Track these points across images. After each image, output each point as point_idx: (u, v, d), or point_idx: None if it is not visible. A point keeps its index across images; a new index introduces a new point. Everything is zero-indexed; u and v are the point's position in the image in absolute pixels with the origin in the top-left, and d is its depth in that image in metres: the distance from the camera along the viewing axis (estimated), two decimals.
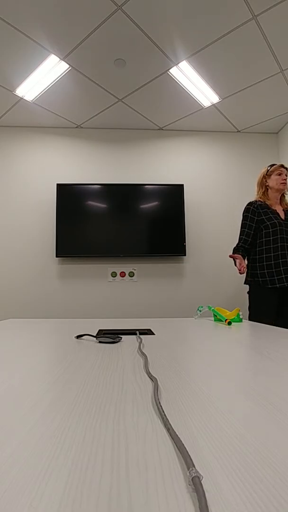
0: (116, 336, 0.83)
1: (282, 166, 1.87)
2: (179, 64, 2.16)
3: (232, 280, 2.93)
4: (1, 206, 2.87)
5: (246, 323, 1.29)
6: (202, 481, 0.21)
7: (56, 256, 2.74)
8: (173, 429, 0.29)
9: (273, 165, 1.89)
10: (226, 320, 1.22)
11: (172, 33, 1.89)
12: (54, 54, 2.05)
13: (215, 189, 3.04)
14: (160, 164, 3.02)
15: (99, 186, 2.85)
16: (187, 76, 2.27)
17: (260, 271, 1.79)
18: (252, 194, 3.06)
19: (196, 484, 0.20)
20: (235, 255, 1.74)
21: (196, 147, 3.08)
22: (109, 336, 0.82)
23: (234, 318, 1.31)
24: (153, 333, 0.97)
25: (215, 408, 0.35)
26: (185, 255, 2.86)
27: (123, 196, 2.83)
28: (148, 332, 1.00)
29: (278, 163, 1.90)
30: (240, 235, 1.88)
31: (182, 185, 2.92)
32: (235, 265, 1.75)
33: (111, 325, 1.23)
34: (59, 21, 1.79)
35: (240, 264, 1.71)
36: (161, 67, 2.19)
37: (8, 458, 0.25)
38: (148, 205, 2.86)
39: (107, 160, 2.98)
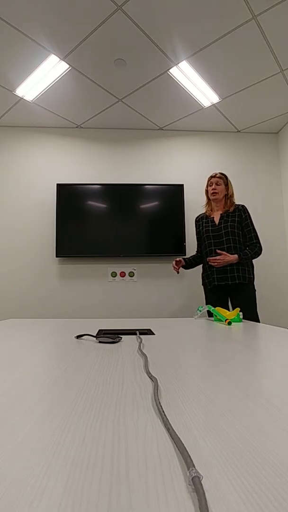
0: (116, 336, 0.83)
1: (211, 176, 2.03)
2: (179, 64, 2.16)
3: None
4: (1, 206, 2.87)
5: (246, 323, 1.29)
6: (202, 481, 0.21)
7: (56, 256, 2.74)
8: (173, 429, 0.29)
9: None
10: (226, 320, 1.22)
11: (172, 33, 1.89)
12: (54, 54, 2.05)
13: None
14: (160, 164, 3.02)
15: (99, 186, 2.85)
16: (187, 76, 2.27)
17: (203, 273, 2.04)
18: (252, 194, 3.07)
19: (196, 484, 0.20)
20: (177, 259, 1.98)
21: (196, 147, 3.08)
22: (109, 336, 0.82)
23: (234, 318, 1.31)
24: (153, 333, 0.97)
25: (215, 408, 0.35)
26: (185, 255, 2.86)
27: (123, 196, 2.83)
28: (148, 332, 1.00)
29: (212, 173, 2.06)
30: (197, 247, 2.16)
31: (182, 185, 2.92)
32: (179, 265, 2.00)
33: (111, 325, 1.23)
34: (59, 21, 1.79)
35: (175, 264, 1.96)
36: (161, 67, 2.19)
37: (9, 458, 0.25)
38: (148, 205, 2.86)
39: (107, 160, 2.98)
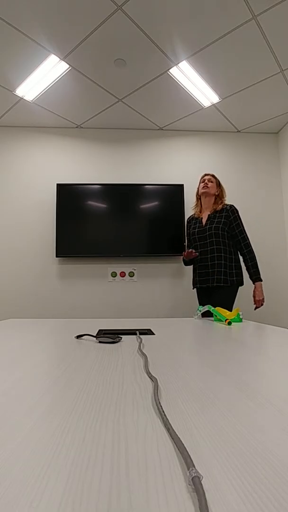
0: (116, 336, 0.83)
1: (205, 174, 2.06)
2: (179, 64, 2.16)
3: None
4: (1, 206, 2.87)
5: (246, 323, 1.29)
6: (202, 481, 0.21)
7: (56, 256, 2.74)
8: (173, 429, 0.29)
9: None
10: (226, 320, 1.22)
11: (172, 33, 1.89)
12: (54, 54, 2.05)
13: None
14: (160, 164, 3.02)
15: (99, 186, 2.85)
16: (187, 76, 2.27)
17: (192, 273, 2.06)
18: (252, 194, 3.07)
19: (196, 484, 0.20)
20: (185, 253, 1.92)
21: (196, 147, 3.08)
22: (109, 336, 0.82)
23: (234, 318, 1.31)
24: (153, 333, 0.97)
25: (215, 408, 0.35)
26: None
27: (123, 196, 2.83)
28: (148, 332, 1.00)
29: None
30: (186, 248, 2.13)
31: (182, 185, 2.92)
32: (189, 257, 1.93)
33: (111, 325, 1.23)
34: (59, 21, 1.79)
35: (188, 253, 1.89)
36: (161, 67, 2.19)
37: (9, 458, 0.25)
38: (148, 205, 2.86)
39: (107, 160, 2.98)
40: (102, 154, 3.00)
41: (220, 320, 1.31)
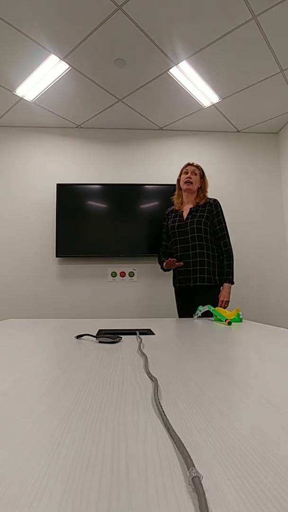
0: (116, 336, 0.83)
1: (188, 164, 1.87)
2: (179, 64, 2.16)
3: None
4: (1, 206, 2.87)
5: (246, 323, 1.29)
6: (202, 481, 0.21)
7: (56, 256, 2.74)
8: (173, 429, 0.29)
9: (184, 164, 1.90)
10: (226, 320, 1.22)
11: (172, 33, 1.89)
12: (54, 54, 2.05)
13: (215, 189, 3.04)
14: (160, 164, 3.02)
15: (99, 186, 2.85)
16: (187, 76, 2.27)
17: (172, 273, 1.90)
18: (252, 194, 3.07)
19: (196, 484, 0.20)
20: (167, 262, 1.74)
21: (196, 147, 3.08)
22: (109, 336, 0.82)
23: (234, 318, 1.31)
24: (153, 333, 0.97)
25: (215, 408, 0.35)
26: None
27: (123, 196, 2.83)
28: (148, 332, 1.00)
29: (188, 162, 1.90)
30: (161, 241, 1.97)
31: None
32: (171, 266, 1.78)
33: (111, 325, 1.23)
34: (59, 21, 1.79)
35: (169, 262, 1.73)
36: (161, 67, 2.19)
37: (9, 458, 0.25)
38: (148, 205, 2.86)
39: (107, 160, 2.98)
40: (102, 154, 3.00)
41: (220, 320, 1.31)
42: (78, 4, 1.69)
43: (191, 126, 2.99)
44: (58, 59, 2.09)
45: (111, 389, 0.42)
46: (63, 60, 2.10)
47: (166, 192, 2.90)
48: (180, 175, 1.90)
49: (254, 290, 2.92)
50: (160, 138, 3.05)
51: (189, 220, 1.77)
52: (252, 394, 0.40)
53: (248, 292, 2.91)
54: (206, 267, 1.70)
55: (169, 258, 1.74)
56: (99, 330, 1.04)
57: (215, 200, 1.83)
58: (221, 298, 1.73)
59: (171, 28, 1.85)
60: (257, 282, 2.94)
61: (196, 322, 1.32)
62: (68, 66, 2.16)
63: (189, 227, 1.76)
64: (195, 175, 1.83)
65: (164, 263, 1.75)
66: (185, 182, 1.81)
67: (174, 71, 2.23)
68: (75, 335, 0.90)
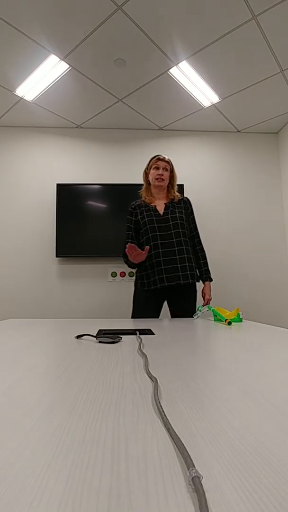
0: (116, 336, 0.83)
1: (158, 159, 1.74)
2: (179, 64, 2.16)
3: (232, 279, 2.93)
4: (1, 206, 2.87)
5: (246, 323, 1.29)
6: (202, 481, 0.21)
7: (56, 256, 2.74)
8: (173, 429, 0.29)
9: (154, 157, 1.78)
10: (226, 320, 1.22)
11: (172, 33, 1.89)
12: (54, 54, 2.05)
13: (215, 189, 3.04)
14: None
15: (99, 186, 2.85)
16: (187, 76, 2.27)
17: (139, 273, 1.74)
18: (252, 194, 3.07)
19: (196, 484, 0.20)
20: (136, 253, 1.51)
21: (196, 147, 3.08)
22: (109, 336, 0.82)
23: (234, 318, 1.31)
24: (153, 333, 0.97)
25: (215, 408, 0.35)
26: None
27: (123, 196, 2.83)
28: (148, 332, 1.00)
29: (158, 155, 1.77)
30: (125, 238, 1.77)
31: (182, 185, 2.92)
32: (131, 259, 1.57)
33: (111, 325, 1.23)
34: (59, 21, 1.79)
35: (135, 253, 1.51)
36: (161, 67, 2.19)
37: (9, 458, 0.25)
38: None
39: (107, 160, 2.98)
40: (102, 154, 3.00)
41: (220, 320, 1.31)
42: (78, 4, 1.69)
43: (191, 126, 2.99)
44: (58, 59, 2.09)
45: (111, 389, 0.42)
46: (63, 60, 2.11)
47: None
48: (148, 168, 1.79)
49: (254, 290, 2.92)
50: (160, 138, 3.05)
51: (170, 216, 1.69)
52: (252, 394, 0.40)
53: (248, 292, 2.91)
54: (192, 264, 1.66)
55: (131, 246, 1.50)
56: (99, 330, 1.04)
57: (188, 199, 1.81)
58: (207, 297, 1.74)
59: (171, 28, 1.85)
60: (257, 282, 2.94)
61: (196, 322, 1.32)
62: (68, 66, 2.16)
63: (171, 223, 1.67)
64: (166, 171, 1.74)
65: (132, 256, 1.52)
66: (156, 179, 1.72)
67: (174, 71, 2.23)
68: (75, 335, 0.90)
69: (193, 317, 1.55)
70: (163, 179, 1.72)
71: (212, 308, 1.41)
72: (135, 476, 0.22)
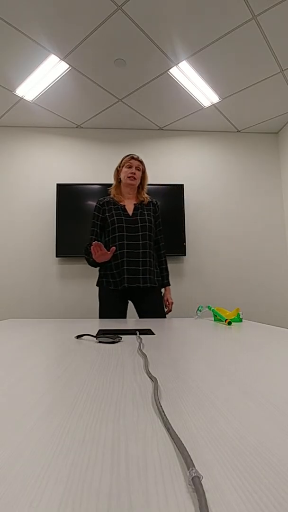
0: (116, 336, 0.82)
1: (132, 157, 1.72)
2: (179, 64, 2.17)
3: (232, 280, 2.93)
4: (1, 206, 2.87)
5: (246, 323, 1.29)
6: (202, 481, 0.21)
7: (56, 256, 2.74)
8: (173, 429, 0.29)
9: (127, 156, 1.75)
10: (226, 320, 1.22)
11: (172, 33, 1.89)
12: (54, 54, 2.05)
13: (215, 189, 3.04)
14: (160, 164, 3.02)
15: (99, 186, 2.85)
16: (187, 76, 2.27)
17: (103, 271, 1.71)
18: (252, 194, 3.07)
19: (196, 484, 0.20)
20: (100, 253, 1.45)
21: (196, 147, 3.08)
22: (109, 336, 0.82)
23: (234, 318, 1.31)
24: (153, 333, 0.97)
25: (215, 408, 0.35)
26: (185, 255, 2.86)
27: None
28: (148, 332, 1.00)
29: (131, 154, 1.75)
30: (89, 235, 1.74)
31: (182, 185, 2.92)
32: (95, 258, 1.51)
33: (111, 325, 1.23)
34: (59, 21, 1.79)
35: (99, 253, 1.45)
36: (161, 67, 2.19)
37: (9, 458, 0.25)
38: None
39: (107, 160, 2.98)
40: (102, 154, 3.00)
41: (220, 320, 1.31)
42: (78, 4, 1.69)
43: (191, 126, 2.99)
44: (58, 59, 2.09)
45: (111, 389, 0.42)
46: (63, 60, 2.11)
47: (166, 192, 2.90)
48: (120, 166, 1.75)
49: (254, 290, 2.92)
50: (160, 138, 3.05)
51: (139, 217, 1.66)
52: (252, 394, 0.40)
53: (248, 292, 2.91)
54: (153, 269, 1.66)
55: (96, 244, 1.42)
56: (99, 330, 1.04)
57: (157, 201, 1.80)
58: (170, 301, 1.77)
59: (171, 28, 1.85)
60: (257, 282, 2.94)
61: (196, 322, 1.32)
62: (68, 66, 2.16)
63: (139, 225, 1.64)
64: (138, 170, 1.71)
65: (96, 255, 1.47)
66: (129, 177, 1.69)
67: (174, 71, 2.23)
68: (75, 335, 0.90)
69: (194, 317, 1.55)
70: (135, 178, 1.69)
71: (212, 308, 1.41)
72: (135, 476, 0.22)
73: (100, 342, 0.81)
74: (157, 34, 1.90)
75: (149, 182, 2.89)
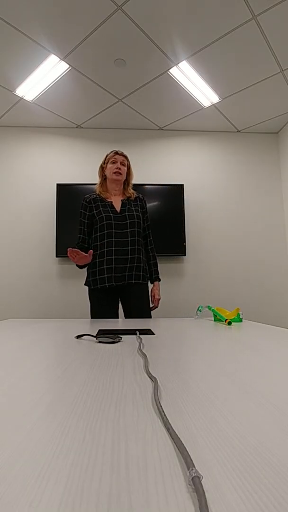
0: (116, 336, 0.82)
1: (116, 153, 1.71)
2: (179, 64, 2.17)
3: (231, 279, 2.93)
4: (1, 206, 2.87)
5: (246, 323, 1.29)
6: (202, 481, 0.21)
7: (56, 256, 2.74)
8: (173, 429, 0.29)
9: (111, 152, 1.74)
10: (226, 320, 1.22)
11: (172, 33, 1.89)
12: (54, 54, 2.05)
13: (215, 189, 3.04)
14: (160, 164, 3.02)
15: None
16: (187, 76, 2.27)
17: (90, 269, 1.68)
18: (252, 194, 3.07)
19: (196, 484, 0.20)
20: (80, 256, 1.44)
21: (196, 147, 3.08)
22: (109, 336, 0.82)
23: (234, 318, 1.31)
24: (153, 333, 0.97)
25: (215, 408, 0.35)
26: (185, 255, 2.86)
27: None
28: (148, 332, 1.00)
29: (115, 150, 1.73)
30: (78, 233, 1.72)
31: (182, 185, 2.93)
32: (75, 262, 1.53)
33: (111, 325, 1.23)
34: (59, 21, 1.79)
35: (78, 257, 1.45)
36: (161, 67, 2.19)
37: (9, 458, 0.25)
38: (148, 205, 2.86)
39: None
40: (102, 154, 2.97)
41: (220, 320, 1.31)
42: (78, 4, 1.69)
43: (191, 126, 2.99)
44: (58, 59, 2.09)
45: (111, 389, 0.42)
46: (63, 60, 2.11)
47: (166, 192, 2.90)
48: (105, 163, 1.74)
49: (254, 290, 2.92)
50: (160, 138, 3.05)
51: (127, 214, 1.64)
52: (252, 394, 0.40)
53: (248, 292, 2.91)
54: (141, 265, 1.64)
55: (73, 249, 1.42)
56: (99, 330, 1.04)
57: (143, 197, 1.77)
58: (156, 297, 1.75)
59: (171, 28, 1.85)
60: (257, 282, 2.94)
61: (196, 322, 1.32)
62: (68, 66, 2.16)
63: (128, 221, 1.62)
64: (123, 165, 1.70)
65: (75, 259, 1.47)
66: (114, 173, 1.67)
67: (174, 71, 2.23)
68: (75, 335, 0.90)
69: (194, 317, 1.55)
70: (120, 173, 1.68)
71: (212, 308, 1.41)
72: (135, 476, 0.22)
73: (100, 342, 0.81)
74: (157, 34, 1.90)
75: (149, 182, 2.92)
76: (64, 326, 1.17)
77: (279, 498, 0.20)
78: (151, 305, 1.73)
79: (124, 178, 1.72)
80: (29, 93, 2.43)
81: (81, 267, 1.63)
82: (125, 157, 1.73)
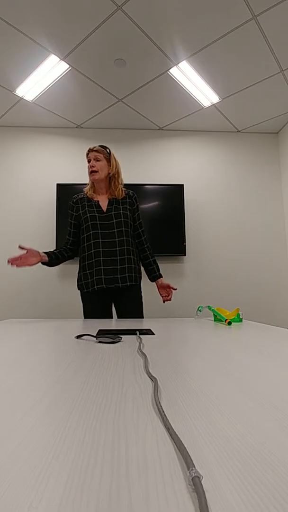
0: (116, 336, 0.82)
1: (88, 150, 1.63)
2: (179, 64, 2.17)
3: (232, 280, 2.93)
4: (1, 206, 2.87)
5: (246, 323, 1.29)
6: (202, 481, 0.21)
7: None
8: (173, 429, 0.29)
9: None
10: (226, 320, 1.22)
11: (172, 33, 1.89)
12: (54, 54, 2.05)
13: (215, 189, 3.04)
14: (160, 164, 3.02)
15: None
16: (187, 76, 2.28)
17: (79, 273, 1.63)
18: (252, 194, 3.07)
19: (196, 484, 0.20)
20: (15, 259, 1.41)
21: (196, 147, 3.08)
22: (109, 336, 0.82)
23: (234, 318, 1.31)
24: (153, 333, 0.97)
25: (215, 408, 0.35)
26: (185, 255, 2.86)
27: None
28: (148, 332, 1.00)
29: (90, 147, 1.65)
30: (66, 235, 1.70)
31: (182, 185, 2.93)
32: (19, 265, 1.55)
33: (111, 325, 1.23)
34: (59, 21, 1.79)
35: (19, 262, 1.44)
36: (161, 67, 2.19)
37: (8, 458, 0.25)
38: (148, 205, 2.86)
39: None
40: None
41: (220, 320, 1.31)
42: (78, 4, 1.69)
43: (191, 126, 2.99)
44: (58, 59, 2.09)
45: (111, 389, 0.42)
46: (63, 60, 2.11)
47: (166, 192, 2.90)
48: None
49: (254, 290, 2.92)
50: (160, 138, 3.05)
51: (113, 213, 1.57)
52: (252, 394, 0.40)
53: (248, 292, 2.91)
54: (133, 265, 1.58)
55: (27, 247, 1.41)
56: (99, 330, 1.04)
57: (134, 193, 1.68)
58: (168, 290, 1.72)
59: (171, 28, 1.85)
60: (257, 282, 2.94)
61: (196, 322, 1.32)
62: (68, 66, 2.16)
63: (114, 221, 1.56)
64: (98, 161, 1.59)
65: (19, 264, 1.48)
66: (90, 172, 1.60)
67: (174, 71, 2.23)
68: (75, 335, 0.90)
69: (194, 317, 1.55)
70: (96, 171, 1.58)
71: (212, 308, 1.41)
72: (135, 476, 0.22)
73: (100, 342, 0.81)
74: (157, 34, 1.90)
75: (149, 182, 2.92)
76: (64, 326, 1.17)
77: (279, 498, 0.20)
78: (167, 297, 1.71)
79: (104, 173, 1.60)
80: (29, 93, 2.43)
81: (49, 264, 1.60)
82: (100, 151, 1.60)
